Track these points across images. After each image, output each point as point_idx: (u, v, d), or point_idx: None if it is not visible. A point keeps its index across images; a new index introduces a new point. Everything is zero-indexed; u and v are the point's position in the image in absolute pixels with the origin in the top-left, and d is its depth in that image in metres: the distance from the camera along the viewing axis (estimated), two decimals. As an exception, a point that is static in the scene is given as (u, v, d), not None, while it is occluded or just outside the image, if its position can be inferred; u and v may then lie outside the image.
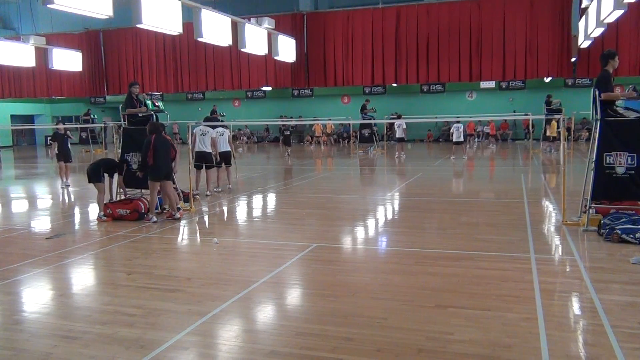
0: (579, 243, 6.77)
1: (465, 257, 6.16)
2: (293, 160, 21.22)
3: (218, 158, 11.70)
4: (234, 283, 5.46)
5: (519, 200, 10.07)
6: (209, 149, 11.36)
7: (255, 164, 20.83)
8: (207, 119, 12.53)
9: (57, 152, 13.94)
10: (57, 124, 16.86)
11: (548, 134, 20.78)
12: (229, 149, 11.96)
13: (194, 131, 11.16)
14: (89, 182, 9.14)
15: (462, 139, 19.60)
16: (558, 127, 18.02)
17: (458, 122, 20.01)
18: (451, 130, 20.53)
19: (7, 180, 17.02)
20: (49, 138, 22.83)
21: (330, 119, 30.04)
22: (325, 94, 32.50)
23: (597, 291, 4.86)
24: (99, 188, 9.01)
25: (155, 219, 8.74)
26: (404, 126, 21.16)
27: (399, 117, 23.02)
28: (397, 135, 21.44)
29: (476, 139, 30.36)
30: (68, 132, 14.73)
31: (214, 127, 11.82)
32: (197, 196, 10.74)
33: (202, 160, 11.35)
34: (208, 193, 11.46)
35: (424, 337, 4.00)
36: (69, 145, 14.15)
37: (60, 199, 12.49)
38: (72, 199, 12.24)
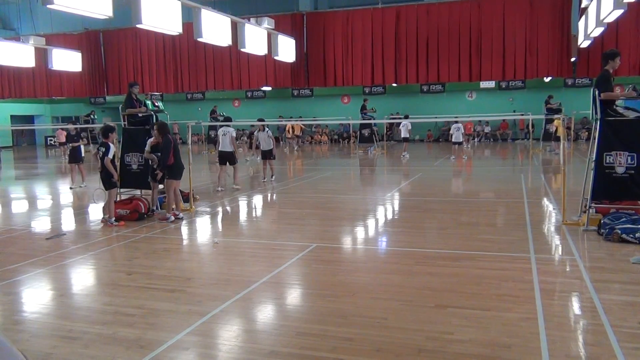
0: (579, 243, 6.77)
1: (465, 257, 6.15)
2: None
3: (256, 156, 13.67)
4: (234, 283, 5.46)
5: (519, 200, 10.07)
6: (229, 149, 12.37)
7: (255, 164, 20.80)
8: (226, 119, 13.72)
9: (68, 153, 14.16)
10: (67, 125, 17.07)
11: (557, 133, 20.79)
12: (231, 149, 12.59)
13: (218, 133, 12.67)
14: (106, 189, 8.75)
15: (461, 139, 19.60)
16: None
17: (457, 122, 20.01)
18: (451, 131, 20.55)
19: (7, 180, 17.02)
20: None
21: (299, 120, 30.13)
22: (325, 94, 32.50)
23: (597, 291, 4.85)
24: (111, 194, 8.71)
25: (172, 218, 8.72)
26: (409, 127, 21.66)
27: (406, 117, 23.23)
28: (402, 135, 22.06)
29: (476, 139, 30.38)
30: (81, 134, 14.87)
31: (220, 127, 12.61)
32: (197, 196, 10.75)
33: (225, 158, 12.51)
34: (266, 180, 13.32)
35: (424, 337, 4.00)
36: (79, 147, 14.14)
37: (61, 200, 12.48)
38: (73, 200, 12.24)
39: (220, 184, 12.18)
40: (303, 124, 31.58)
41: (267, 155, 13.82)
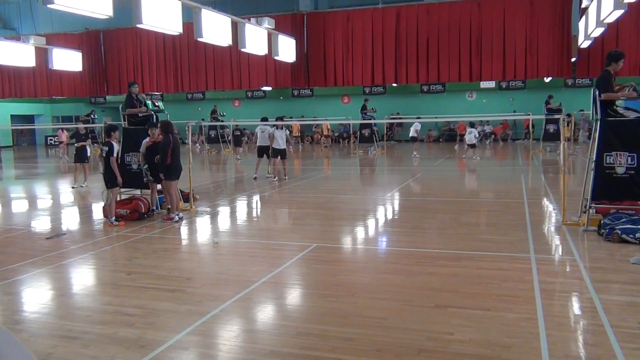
0: (579, 243, 6.77)
1: (465, 257, 6.15)
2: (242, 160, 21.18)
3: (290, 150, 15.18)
4: (234, 283, 5.46)
5: (519, 200, 10.07)
6: (267, 143, 13.96)
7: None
8: (262, 119, 14.81)
9: (74, 152, 14.14)
10: (77, 124, 17.12)
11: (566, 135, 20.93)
12: (268, 144, 14.06)
13: (256, 130, 14.57)
14: (107, 188, 8.67)
15: (474, 141, 19.71)
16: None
17: (472, 126, 20.30)
18: (465, 135, 20.75)
19: (8, 180, 17.02)
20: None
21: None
22: (325, 94, 32.48)
23: (597, 291, 4.85)
24: (113, 193, 8.67)
25: (177, 217, 8.71)
26: (418, 127, 22.07)
27: (417, 118, 23.52)
28: (410, 135, 22.75)
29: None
30: (89, 134, 15.00)
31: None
32: (197, 196, 10.74)
33: (263, 152, 14.19)
34: (270, 177, 14.14)
35: (424, 337, 4.00)
36: (86, 147, 14.19)
37: (61, 199, 12.48)
38: (73, 199, 12.24)
39: (269, 172, 14.15)
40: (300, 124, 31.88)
41: (281, 154, 14.10)
